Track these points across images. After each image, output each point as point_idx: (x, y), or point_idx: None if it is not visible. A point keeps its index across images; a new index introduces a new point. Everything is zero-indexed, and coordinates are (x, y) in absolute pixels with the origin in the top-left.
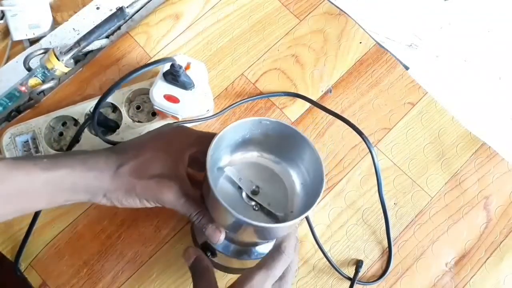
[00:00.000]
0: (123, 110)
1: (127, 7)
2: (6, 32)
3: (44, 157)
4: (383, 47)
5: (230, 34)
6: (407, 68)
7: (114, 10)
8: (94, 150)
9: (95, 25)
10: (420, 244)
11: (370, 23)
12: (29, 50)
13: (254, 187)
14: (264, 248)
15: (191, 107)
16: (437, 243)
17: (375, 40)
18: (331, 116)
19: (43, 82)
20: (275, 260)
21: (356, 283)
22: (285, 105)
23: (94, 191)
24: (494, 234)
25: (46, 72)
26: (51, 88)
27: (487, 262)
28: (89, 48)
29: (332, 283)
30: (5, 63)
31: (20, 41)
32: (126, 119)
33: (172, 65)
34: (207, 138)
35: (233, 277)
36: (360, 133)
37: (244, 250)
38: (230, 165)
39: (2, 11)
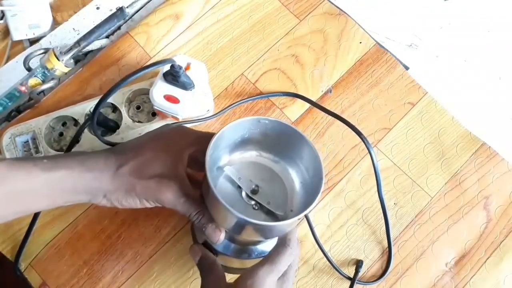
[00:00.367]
0: (123, 110)
1: (127, 7)
2: (6, 32)
3: (44, 157)
4: (383, 47)
5: (230, 34)
6: (407, 68)
7: (114, 10)
8: (93, 151)
9: (95, 25)
10: (420, 244)
11: (370, 23)
12: (29, 50)
13: (253, 186)
14: (264, 247)
15: (191, 107)
16: (437, 243)
17: (375, 40)
18: (331, 116)
19: (43, 82)
20: (280, 254)
21: (356, 283)
22: (285, 105)
23: (94, 192)
24: (494, 234)
25: (46, 72)
26: (51, 88)
27: (487, 262)
28: (89, 48)
29: (332, 283)
30: (5, 63)
31: (20, 41)
32: (126, 119)
33: (172, 66)
34: (206, 138)
35: (233, 277)
36: (359, 133)
37: (244, 249)
38: (229, 165)
39: (2, 11)
